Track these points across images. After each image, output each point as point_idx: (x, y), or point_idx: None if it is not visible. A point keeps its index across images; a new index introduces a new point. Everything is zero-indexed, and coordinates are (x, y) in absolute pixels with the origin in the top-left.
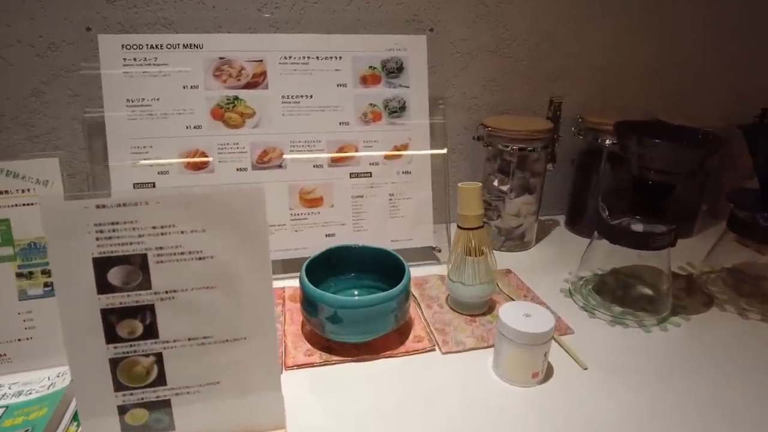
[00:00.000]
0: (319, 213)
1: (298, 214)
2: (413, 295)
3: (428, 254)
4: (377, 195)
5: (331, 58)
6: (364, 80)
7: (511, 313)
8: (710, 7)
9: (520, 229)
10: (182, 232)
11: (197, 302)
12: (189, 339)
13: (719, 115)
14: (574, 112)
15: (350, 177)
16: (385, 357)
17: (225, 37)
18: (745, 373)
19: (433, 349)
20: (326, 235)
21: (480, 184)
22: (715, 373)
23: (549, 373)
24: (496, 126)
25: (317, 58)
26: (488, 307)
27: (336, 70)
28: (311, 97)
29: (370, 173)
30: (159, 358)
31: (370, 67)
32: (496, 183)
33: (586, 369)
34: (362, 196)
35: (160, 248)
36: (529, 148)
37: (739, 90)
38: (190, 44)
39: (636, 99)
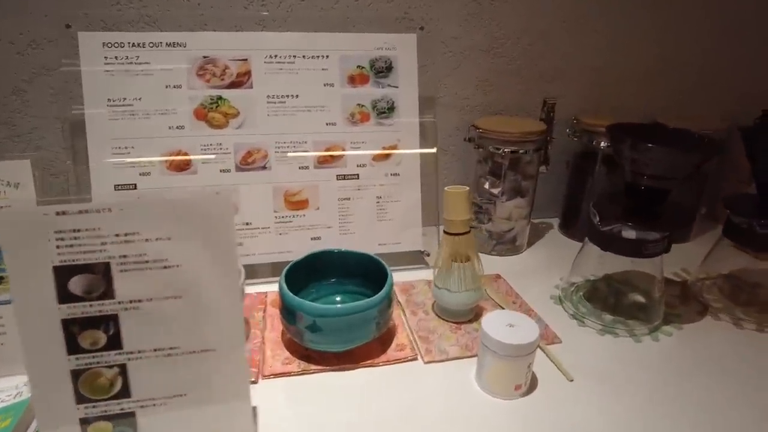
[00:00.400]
0: (304, 216)
1: (282, 217)
2: (398, 301)
3: (417, 258)
4: (364, 197)
5: (317, 57)
6: (352, 80)
7: (494, 323)
8: (710, 7)
9: (511, 233)
10: (147, 240)
11: (163, 312)
12: (154, 350)
13: (721, 117)
14: (570, 114)
15: (337, 179)
16: (366, 366)
17: (209, 35)
18: (738, 384)
19: (416, 359)
20: (312, 239)
21: (467, 188)
22: (708, 385)
23: (533, 384)
24: (487, 127)
25: (304, 57)
26: (475, 315)
27: (323, 69)
28: (297, 96)
29: (358, 175)
30: (123, 369)
31: (358, 66)
32: (487, 186)
33: (572, 380)
34: (349, 199)
35: (124, 256)
36: (521, 151)
37: (741, 91)
38: (173, 43)
39: (634, 100)
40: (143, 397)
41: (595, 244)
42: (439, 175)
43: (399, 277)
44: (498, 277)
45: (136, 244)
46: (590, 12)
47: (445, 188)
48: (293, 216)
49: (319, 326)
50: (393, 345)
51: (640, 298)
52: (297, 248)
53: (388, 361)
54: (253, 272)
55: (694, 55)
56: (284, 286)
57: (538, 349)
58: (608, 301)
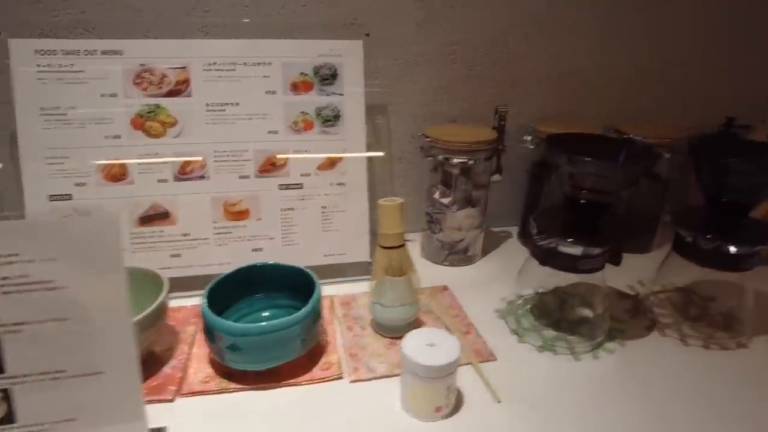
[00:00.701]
0: (245, 226)
1: (222, 228)
2: (337, 316)
3: (365, 270)
4: (309, 207)
5: (259, 64)
6: (295, 87)
7: (415, 343)
8: (676, 14)
9: (462, 243)
10: (30, 261)
11: (48, 335)
12: (40, 374)
13: (690, 124)
14: (529, 121)
15: (279, 188)
16: (287, 385)
17: (146, 42)
18: (677, 406)
19: (341, 377)
20: (253, 250)
21: (401, 200)
22: (644, 408)
23: (458, 405)
24: (436, 136)
25: (245, 64)
26: (413, 329)
27: (265, 76)
28: (238, 104)
29: (301, 184)
30: (6, 394)
31: (302, 73)
32: (437, 195)
33: (499, 402)
34: (292, 209)
35: (5, 278)
36: (471, 160)
37: (708, 98)
38: (109, 50)
39: (596, 108)
40: (30, 422)
41: (534, 257)
42: (395, 184)
43: (342, 289)
44: (445, 288)
45: (17, 265)
46: (549, 18)
47: (379, 201)
48: (233, 227)
49: (239, 346)
50: (321, 362)
51: (588, 313)
52: (237, 260)
53: (311, 380)
54: (190, 284)
55: (659, 63)
56: (205, 304)
57: (471, 367)
58: (554, 315)
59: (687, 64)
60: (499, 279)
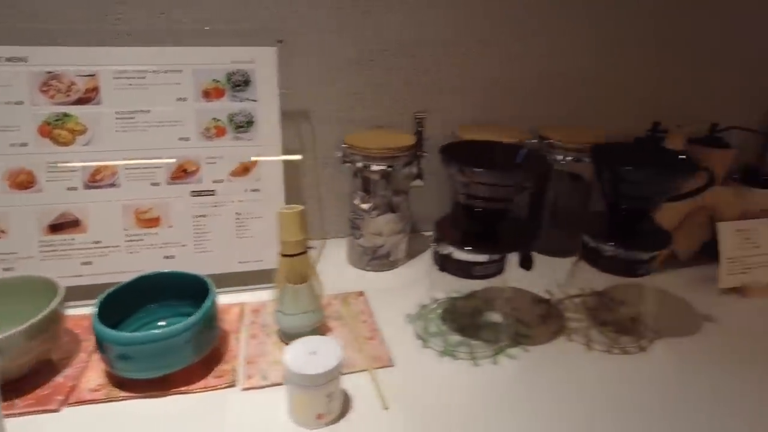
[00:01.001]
0: (156, 234)
1: (133, 235)
2: (245, 323)
3: None
4: (222, 214)
5: (170, 71)
6: (207, 94)
7: (296, 351)
8: (601, 19)
9: (384, 248)
10: None
11: None
12: None
13: (617, 129)
14: (455, 127)
15: (191, 195)
16: (179, 393)
17: (53, 50)
18: (568, 412)
19: (233, 385)
20: (165, 257)
21: (301, 208)
22: (534, 414)
23: (344, 412)
24: (355, 143)
25: (155, 71)
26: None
27: (176, 83)
28: (148, 112)
29: (214, 191)
30: None
31: (214, 80)
32: (357, 201)
33: (387, 409)
34: (205, 216)
35: None
36: (390, 166)
37: (639, 102)
38: (13, 57)
39: (521, 113)
40: None
41: (435, 263)
42: (322, 189)
43: (254, 296)
44: (360, 294)
45: None
46: (472, 25)
47: (279, 209)
48: (144, 234)
49: (128, 355)
50: (216, 370)
51: (497, 318)
52: (149, 267)
53: (204, 387)
54: (101, 291)
55: (586, 68)
56: (95, 314)
57: (368, 374)
58: (462, 320)
59: (615, 69)
60: (419, 284)
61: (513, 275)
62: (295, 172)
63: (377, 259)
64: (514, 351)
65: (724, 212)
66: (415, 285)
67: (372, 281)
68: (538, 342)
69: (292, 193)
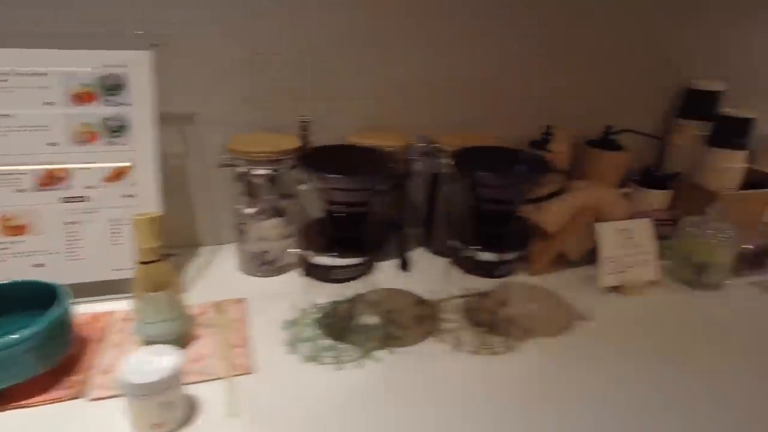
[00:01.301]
0: (24, 242)
1: None
2: (111, 331)
3: None
4: (95, 221)
5: (36, 74)
6: (78, 98)
7: (133, 361)
8: (499, 25)
9: (271, 254)
10: None
11: None
12: None
13: (514, 134)
14: (346, 131)
15: (62, 202)
16: (15, 408)
17: None
18: (425, 415)
19: (78, 397)
20: (34, 265)
21: (156, 214)
22: (394, 417)
23: (187, 420)
24: (235, 147)
25: (19, 74)
26: (183, 345)
27: (42, 87)
28: (11, 116)
29: (87, 197)
30: None
31: (84, 84)
32: (241, 206)
33: (234, 417)
34: (77, 223)
35: None
36: (274, 170)
37: (536, 107)
38: None
39: (413, 118)
40: None
41: (302, 269)
42: (213, 193)
43: (126, 305)
44: (240, 301)
45: None
46: (364, 30)
47: (134, 216)
48: (11, 242)
49: None
50: (66, 381)
51: (373, 320)
52: (17, 276)
53: (45, 400)
54: None
55: (482, 75)
56: None
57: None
58: (338, 324)
59: (512, 76)
60: (306, 289)
61: (401, 278)
62: (181, 177)
63: (266, 265)
64: (381, 353)
65: (609, 213)
66: (300, 290)
67: (259, 287)
68: (408, 343)
69: (180, 198)
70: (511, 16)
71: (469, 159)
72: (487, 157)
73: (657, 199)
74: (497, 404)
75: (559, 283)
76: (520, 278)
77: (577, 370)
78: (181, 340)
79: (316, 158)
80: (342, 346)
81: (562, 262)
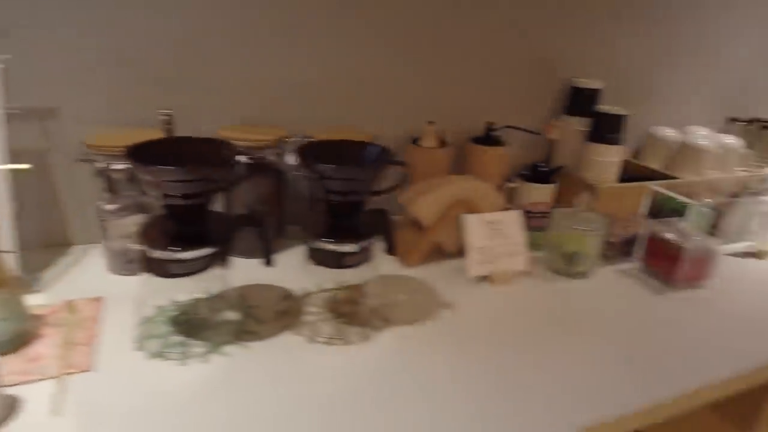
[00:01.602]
0: None
1: None
2: None
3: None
4: None
5: None
6: None
7: None
8: (379, 22)
9: (134, 252)
10: None
11: None
12: None
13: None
14: (217, 127)
15: None
16: None
17: None
18: (269, 407)
19: None
20: None
21: None
22: (235, 411)
23: (2, 420)
24: (93, 142)
25: None
26: (21, 345)
27: None
28: None
29: None
30: None
31: None
32: (101, 202)
33: (58, 416)
34: None
35: None
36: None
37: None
38: None
39: (285, 114)
40: None
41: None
42: (80, 190)
43: None
44: (97, 300)
45: None
46: (233, 25)
47: None
48: None
49: None
50: None
51: (233, 316)
52: None
53: None
54: None
55: (360, 72)
56: None
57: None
58: (196, 321)
59: (393, 72)
60: (169, 287)
61: (271, 273)
62: (45, 174)
63: (132, 263)
64: (231, 348)
65: (482, 206)
66: (164, 288)
67: (124, 286)
68: (264, 337)
69: (46, 196)
70: (393, 15)
71: (315, 152)
72: (334, 151)
73: (542, 192)
74: (344, 393)
75: (433, 274)
76: (394, 270)
77: (429, 356)
78: (17, 340)
79: (145, 150)
80: (193, 342)
81: (441, 254)
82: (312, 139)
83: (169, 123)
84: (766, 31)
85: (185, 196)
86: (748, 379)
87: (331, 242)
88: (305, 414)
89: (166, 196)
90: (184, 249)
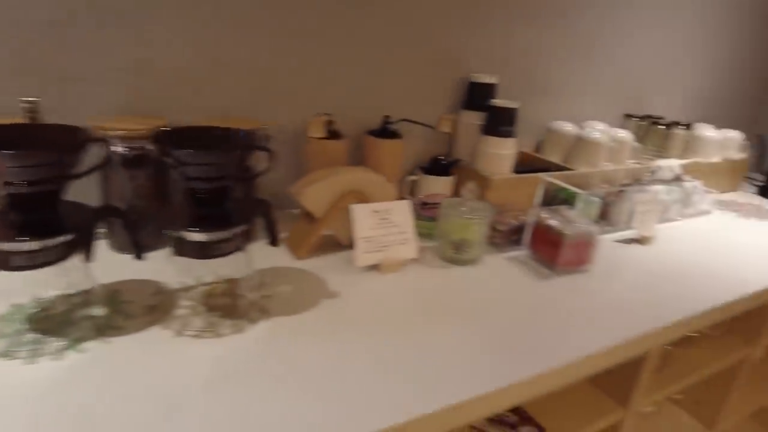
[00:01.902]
0: None
1: None
2: None
3: None
4: None
5: None
6: None
7: None
8: (273, 4)
9: None
10: None
11: None
12: None
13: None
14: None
15: None
16: None
17: None
18: (118, 401)
19: None
20: None
21: None
22: (90, 410)
23: None
24: None
25: None
26: None
27: None
28: None
29: None
30: None
31: None
32: None
33: None
34: None
35: None
36: None
37: (310, 95)
38: None
39: (166, 103)
40: None
41: None
42: None
43: None
44: None
45: None
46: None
47: None
48: None
49: None
50: None
51: (99, 312)
52: None
53: None
54: None
55: (253, 59)
56: None
57: None
58: (57, 318)
59: (285, 62)
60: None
61: (155, 267)
62: None
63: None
64: (89, 344)
65: (373, 196)
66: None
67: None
68: (129, 332)
69: None
70: (290, 4)
71: (174, 139)
72: (195, 137)
73: (441, 184)
74: (202, 382)
75: (323, 265)
76: (284, 263)
77: (303, 344)
78: None
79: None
80: (50, 339)
81: (336, 246)
82: (170, 127)
83: (33, 111)
84: (656, 33)
85: (29, 183)
86: (616, 353)
87: (195, 231)
88: (151, 406)
89: (6, 183)
90: (30, 239)
